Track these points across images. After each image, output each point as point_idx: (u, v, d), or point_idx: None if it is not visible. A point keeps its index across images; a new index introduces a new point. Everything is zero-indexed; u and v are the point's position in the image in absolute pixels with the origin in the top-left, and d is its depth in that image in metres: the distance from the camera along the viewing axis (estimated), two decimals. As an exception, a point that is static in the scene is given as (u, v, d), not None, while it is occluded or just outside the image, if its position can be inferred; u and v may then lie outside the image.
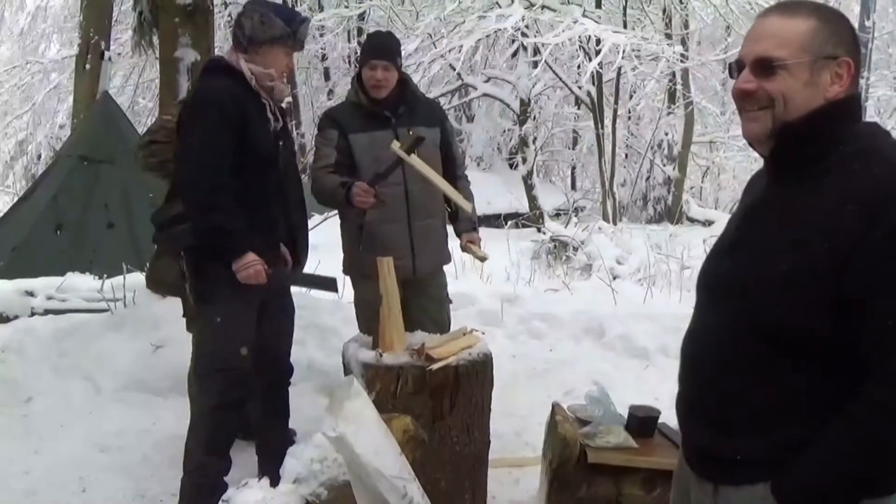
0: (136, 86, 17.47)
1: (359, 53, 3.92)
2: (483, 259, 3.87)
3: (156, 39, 6.32)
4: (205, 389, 3.24)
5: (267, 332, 3.43)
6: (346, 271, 3.98)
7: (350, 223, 3.83)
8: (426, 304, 3.87)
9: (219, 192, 3.05)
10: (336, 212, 3.95)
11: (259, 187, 3.21)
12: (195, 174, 3.07)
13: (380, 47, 3.78)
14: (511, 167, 17.16)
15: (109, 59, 9.46)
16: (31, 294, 6.08)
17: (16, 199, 10.83)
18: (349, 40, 19.03)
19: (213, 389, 3.20)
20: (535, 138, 16.44)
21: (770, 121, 1.56)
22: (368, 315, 3.65)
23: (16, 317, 5.73)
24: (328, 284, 3.49)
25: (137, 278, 5.79)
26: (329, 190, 3.67)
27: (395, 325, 3.10)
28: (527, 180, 15.18)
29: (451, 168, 3.93)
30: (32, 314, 5.78)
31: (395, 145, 3.50)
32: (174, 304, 3.29)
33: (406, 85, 3.85)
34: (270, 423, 3.65)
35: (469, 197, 3.86)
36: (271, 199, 3.29)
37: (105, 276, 6.19)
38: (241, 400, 3.29)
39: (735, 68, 1.60)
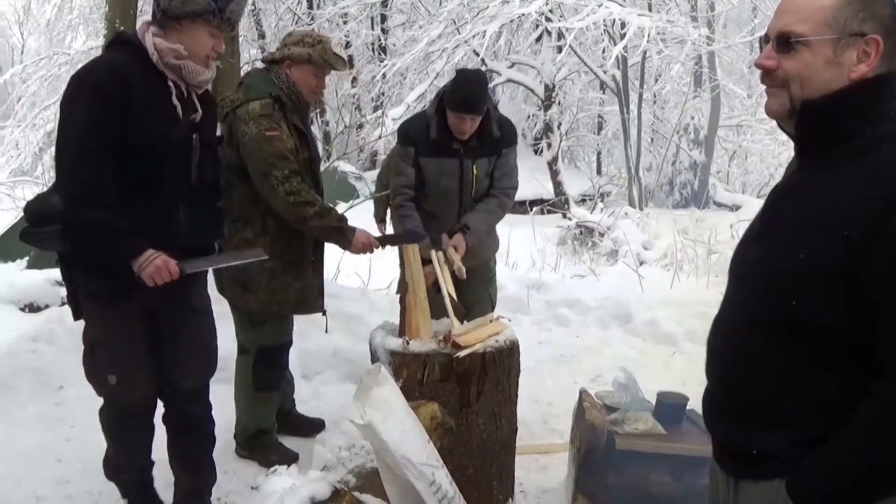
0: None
1: (445, 93, 3.77)
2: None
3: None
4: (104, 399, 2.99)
5: (164, 361, 2.92)
6: None
7: None
8: (465, 291, 3.91)
9: (99, 184, 2.59)
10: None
11: (151, 178, 2.70)
12: (72, 162, 2.62)
13: (469, 101, 3.66)
14: (536, 153, 17.11)
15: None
16: (60, 284, 6.13)
17: (44, 189, 10.92)
18: (373, 27, 19.02)
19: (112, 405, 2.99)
20: (559, 124, 16.40)
21: (787, 100, 1.49)
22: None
23: (46, 306, 5.80)
24: (252, 255, 3.13)
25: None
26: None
27: (421, 313, 3.10)
28: (552, 166, 15.14)
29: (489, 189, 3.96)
30: (63, 304, 5.83)
31: (438, 258, 3.52)
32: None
33: (485, 119, 3.77)
34: (177, 472, 3.13)
35: (487, 216, 3.91)
36: (169, 192, 2.76)
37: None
38: (145, 408, 2.99)
39: (763, 43, 1.54)
